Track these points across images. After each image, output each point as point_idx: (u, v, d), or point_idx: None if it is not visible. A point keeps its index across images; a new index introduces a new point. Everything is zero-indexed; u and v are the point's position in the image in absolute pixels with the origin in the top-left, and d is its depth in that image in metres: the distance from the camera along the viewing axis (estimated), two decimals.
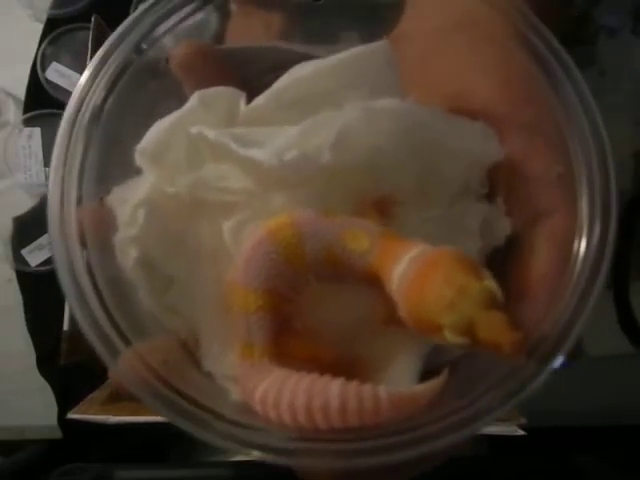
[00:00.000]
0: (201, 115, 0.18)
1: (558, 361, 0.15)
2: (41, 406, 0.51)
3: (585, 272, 0.16)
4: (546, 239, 0.17)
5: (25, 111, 0.52)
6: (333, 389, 0.14)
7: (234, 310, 0.16)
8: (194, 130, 0.17)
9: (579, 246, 0.17)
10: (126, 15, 0.17)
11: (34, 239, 0.51)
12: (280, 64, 0.18)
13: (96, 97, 0.17)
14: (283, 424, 0.15)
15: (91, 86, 0.17)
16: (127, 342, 0.16)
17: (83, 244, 0.16)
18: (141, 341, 0.16)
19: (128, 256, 0.17)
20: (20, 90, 0.52)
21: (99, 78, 0.17)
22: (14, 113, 0.53)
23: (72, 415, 0.33)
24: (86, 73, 0.17)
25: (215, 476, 0.40)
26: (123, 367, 0.15)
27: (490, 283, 0.14)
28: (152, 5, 0.18)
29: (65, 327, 0.37)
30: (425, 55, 0.19)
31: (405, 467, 0.16)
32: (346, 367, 0.16)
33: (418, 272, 0.14)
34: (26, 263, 0.52)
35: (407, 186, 0.18)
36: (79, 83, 0.17)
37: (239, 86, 0.18)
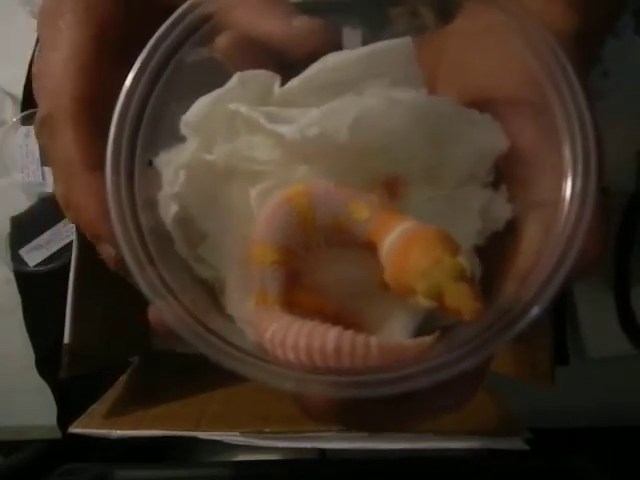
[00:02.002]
0: (239, 93, 0.20)
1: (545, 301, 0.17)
2: (41, 406, 0.51)
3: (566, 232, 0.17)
4: (538, 227, 0.19)
5: (22, 109, 0.52)
6: (330, 334, 0.17)
7: (253, 263, 0.19)
8: (232, 106, 0.20)
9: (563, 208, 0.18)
10: None
11: (32, 239, 0.51)
12: (311, 53, 0.21)
13: (148, 77, 0.19)
14: (288, 361, 0.17)
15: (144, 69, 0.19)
16: (166, 286, 0.18)
17: (133, 200, 0.18)
18: (176, 287, 0.18)
19: (169, 211, 0.20)
20: (17, 88, 0.52)
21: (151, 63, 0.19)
22: (11, 111, 0.53)
23: (74, 429, 0.33)
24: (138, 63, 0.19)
25: (215, 476, 0.40)
26: (161, 306, 0.17)
27: (462, 260, 0.16)
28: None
29: (66, 340, 0.37)
30: (467, 51, 0.22)
31: (410, 405, 0.18)
32: (346, 321, 0.18)
33: (404, 243, 0.17)
34: (24, 263, 0.51)
35: (416, 169, 0.20)
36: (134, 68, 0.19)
37: (275, 70, 0.21)
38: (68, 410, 0.50)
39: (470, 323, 0.16)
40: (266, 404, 0.36)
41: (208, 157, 0.20)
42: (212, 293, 0.21)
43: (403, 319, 0.19)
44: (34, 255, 0.51)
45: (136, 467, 0.41)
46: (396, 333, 0.19)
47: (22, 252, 0.51)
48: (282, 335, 0.17)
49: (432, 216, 0.19)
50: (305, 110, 0.19)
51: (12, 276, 0.52)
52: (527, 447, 0.32)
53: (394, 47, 0.20)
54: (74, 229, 0.46)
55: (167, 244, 0.20)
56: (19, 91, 0.52)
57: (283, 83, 0.21)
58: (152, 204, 0.19)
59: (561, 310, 0.48)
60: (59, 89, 0.21)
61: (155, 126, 0.19)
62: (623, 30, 0.42)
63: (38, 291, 0.51)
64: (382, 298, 0.19)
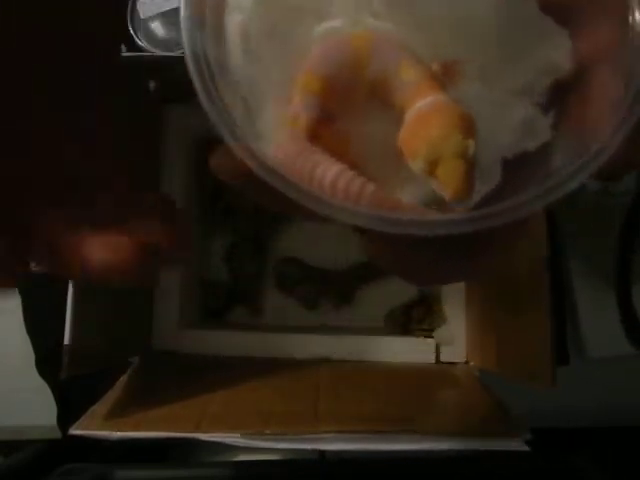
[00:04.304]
0: None
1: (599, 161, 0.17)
2: (41, 406, 0.51)
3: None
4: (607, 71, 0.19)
5: None
6: (333, 168, 0.17)
7: (296, 88, 0.19)
8: None
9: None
10: None
11: None
12: None
13: None
14: (291, 180, 0.18)
15: None
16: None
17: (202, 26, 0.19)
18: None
19: (234, 36, 0.20)
20: None
21: None
22: None
23: (74, 431, 0.33)
24: None
25: (215, 476, 0.40)
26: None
27: (471, 142, 0.17)
28: None
29: (66, 341, 0.37)
30: None
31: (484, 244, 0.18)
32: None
33: (428, 111, 0.17)
34: None
35: (476, 62, 0.20)
36: None
37: None
38: (68, 410, 0.50)
39: (453, 203, 0.17)
40: (266, 405, 0.36)
41: None
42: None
43: (411, 192, 0.19)
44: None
45: (136, 467, 0.41)
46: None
47: None
48: (295, 157, 0.18)
49: (472, 113, 0.18)
50: None
51: None
52: (527, 448, 0.32)
53: None
54: None
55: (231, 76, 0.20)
56: None
57: None
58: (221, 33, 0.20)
59: (561, 310, 0.48)
60: None
61: None
62: None
63: (38, 291, 0.51)
64: (398, 169, 0.19)
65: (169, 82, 0.19)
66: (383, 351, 0.44)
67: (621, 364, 0.47)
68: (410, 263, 0.20)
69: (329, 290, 0.51)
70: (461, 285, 0.46)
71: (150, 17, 0.46)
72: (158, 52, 0.42)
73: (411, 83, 0.18)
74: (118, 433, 0.33)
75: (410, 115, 0.18)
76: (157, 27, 0.47)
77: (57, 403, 0.51)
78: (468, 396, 0.40)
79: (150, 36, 0.43)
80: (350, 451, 0.33)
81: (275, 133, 0.20)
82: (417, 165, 0.17)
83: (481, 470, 0.40)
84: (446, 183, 0.16)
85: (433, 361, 0.45)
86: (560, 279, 0.48)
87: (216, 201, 0.53)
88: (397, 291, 0.52)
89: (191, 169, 0.48)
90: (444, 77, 0.19)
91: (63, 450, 0.49)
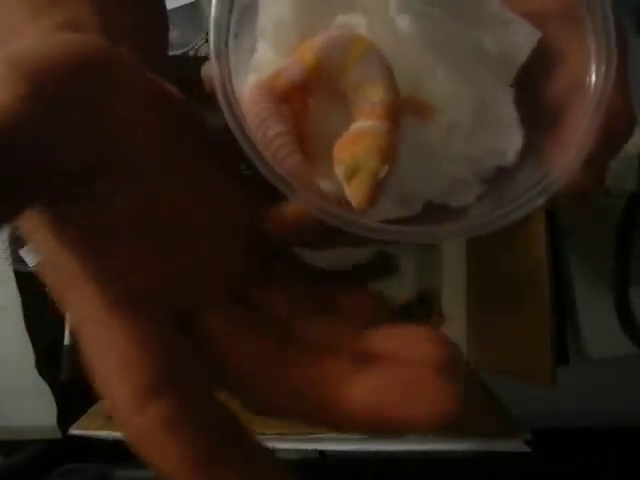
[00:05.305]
0: None
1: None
2: (41, 406, 0.51)
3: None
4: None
5: None
6: (279, 127, 0.20)
7: (294, 54, 0.22)
8: None
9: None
10: None
11: None
12: None
13: None
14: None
15: None
16: None
17: None
18: None
19: None
20: None
21: None
22: None
23: (74, 431, 0.33)
24: None
25: None
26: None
27: (385, 168, 0.19)
28: None
29: (66, 342, 0.37)
30: None
31: None
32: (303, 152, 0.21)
33: (365, 132, 0.20)
34: (24, 263, 0.51)
35: (449, 118, 0.22)
36: None
37: None
38: (68, 410, 0.50)
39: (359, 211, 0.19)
40: None
41: None
42: None
43: (331, 183, 0.22)
44: (34, 255, 0.51)
45: (136, 467, 0.41)
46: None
47: (22, 252, 0.51)
48: (258, 99, 0.20)
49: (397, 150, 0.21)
50: None
51: (12, 275, 0.52)
52: (527, 449, 0.32)
53: None
54: None
55: None
56: None
57: None
58: None
59: (561, 310, 0.48)
60: None
61: None
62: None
63: (38, 291, 0.51)
64: (332, 161, 0.21)
65: (170, 82, 0.19)
66: None
67: (621, 364, 0.47)
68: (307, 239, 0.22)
69: None
70: (461, 285, 0.46)
71: None
72: None
73: (371, 102, 0.21)
74: (118, 433, 0.33)
75: (352, 128, 0.21)
76: None
77: (57, 403, 0.51)
78: (468, 396, 0.41)
79: None
80: (350, 451, 0.33)
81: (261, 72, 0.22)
82: (339, 170, 0.20)
83: (481, 470, 0.40)
84: (354, 192, 0.19)
85: None
86: (560, 279, 0.49)
87: None
88: (397, 291, 0.52)
89: None
90: (411, 110, 0.22)
91: (63, 450, 0.49)
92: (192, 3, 0.50)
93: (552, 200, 0.20)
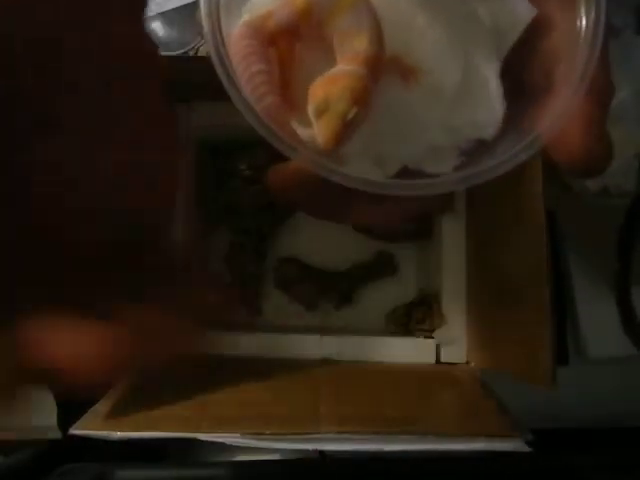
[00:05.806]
0: None
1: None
2: (41, 406, 0.51)
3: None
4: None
5: None
6: (260, 65, 0.20)
7: None
8: None
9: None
10: None
11: None
12: None
13: None
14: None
15: None
16: None
17: None
18: None
19: None
20: None
21: None
22: None
23: (74, 431, 0.33)
24: None
25: (215, 476, 0.40)
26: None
27: (353, 109, 0.19)
28: None
29: None
30: None
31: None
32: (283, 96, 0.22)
33: (343, 74, 0.20)
34: None
35: (433, 79, 0.22)
36: None
37: None
38: (68, 410, 0.50)
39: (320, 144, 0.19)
40: (267, 405, 0.36)
41: None
42: None
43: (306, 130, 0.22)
44: None
45: (136, 467, 0.41)
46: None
47: None
48: (245, 36, 0.21)
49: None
50: None
51: None
52: (527, 449, 0.32)
53: None
54: None
55: None
56: None
57: None
58: None
59: (561, 310, 0.48)
60: None
61: None
62: (623, 30, 0.42)
63: None
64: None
65: (170, 82, 0.19)
66: (383, 351, 0.44)
67: (621, 364, 0.47)
68: (319, 198, 0.22)
69: (329, 290, 0.51)
70: (461, 285, 0.46)
71: (150, 17, 0.46)
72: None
73: (355, 51, 0.21)
74: (118, 433, 0.33)
75: (332, 70, 0.21)
76: (158, 27, 0.47)
77: (57, 403, 0.51)
78: (468, 396, 0.40)
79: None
80: (350, 451, 0.33)
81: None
82: (310, 107, 0.20)
83: (481, 470, 0.40)
84: (321, 130, 0.19)
85: (433, 361, 0.45)
86: (560, 279, 0.48)
87: (216, 201, 0.53)
88: (397, 291, 0.52)
89: (191, 169, 0.48)
90: (395, 70, 0.22)
91: (63, 450, 0.49)
92: (192, 3, 0.50)
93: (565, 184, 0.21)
